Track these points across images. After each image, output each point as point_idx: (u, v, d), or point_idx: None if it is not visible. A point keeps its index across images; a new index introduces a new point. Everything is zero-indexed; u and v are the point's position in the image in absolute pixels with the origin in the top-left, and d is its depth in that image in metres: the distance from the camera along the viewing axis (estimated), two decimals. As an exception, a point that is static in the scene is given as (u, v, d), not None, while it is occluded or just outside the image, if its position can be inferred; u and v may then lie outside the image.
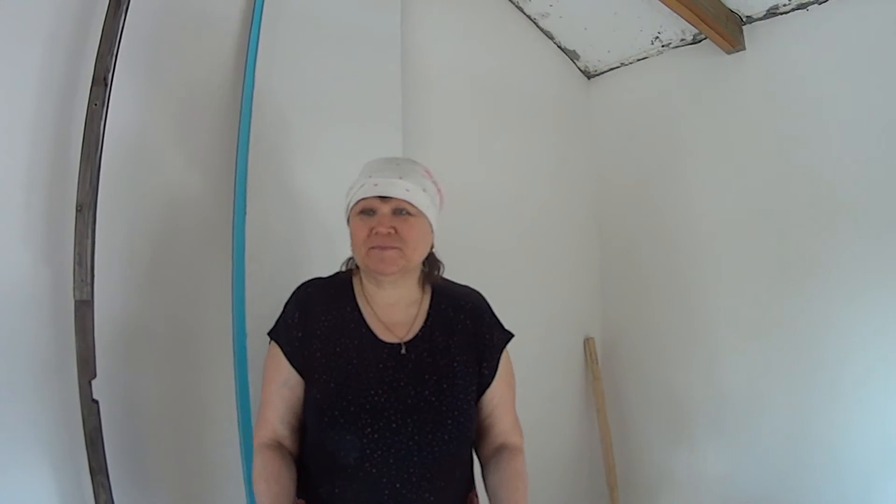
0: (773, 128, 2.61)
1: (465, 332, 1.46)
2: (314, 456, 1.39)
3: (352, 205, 1.43)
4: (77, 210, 1.69)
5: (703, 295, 2.84)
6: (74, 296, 1.69)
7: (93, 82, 1.72)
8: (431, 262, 1.51)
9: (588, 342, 3.11)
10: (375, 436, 1.31)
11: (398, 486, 1.31)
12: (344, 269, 1.56)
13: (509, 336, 1.53)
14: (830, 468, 2.43)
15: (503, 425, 1.49)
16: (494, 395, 1.47)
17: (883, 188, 2.28)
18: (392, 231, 1.36)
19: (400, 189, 1.37)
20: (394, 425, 1.32)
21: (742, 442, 2.72)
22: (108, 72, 1.73)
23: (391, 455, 1.31)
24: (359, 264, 1.45)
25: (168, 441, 2.04)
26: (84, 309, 1.69)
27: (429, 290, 1.50)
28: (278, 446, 1.39)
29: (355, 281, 1.49)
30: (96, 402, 1.74)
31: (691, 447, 2.91)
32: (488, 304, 1.54)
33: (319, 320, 1.41)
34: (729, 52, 2.69)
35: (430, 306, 1.48)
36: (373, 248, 1.37)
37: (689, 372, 2.89)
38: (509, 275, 2.79)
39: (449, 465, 1.40)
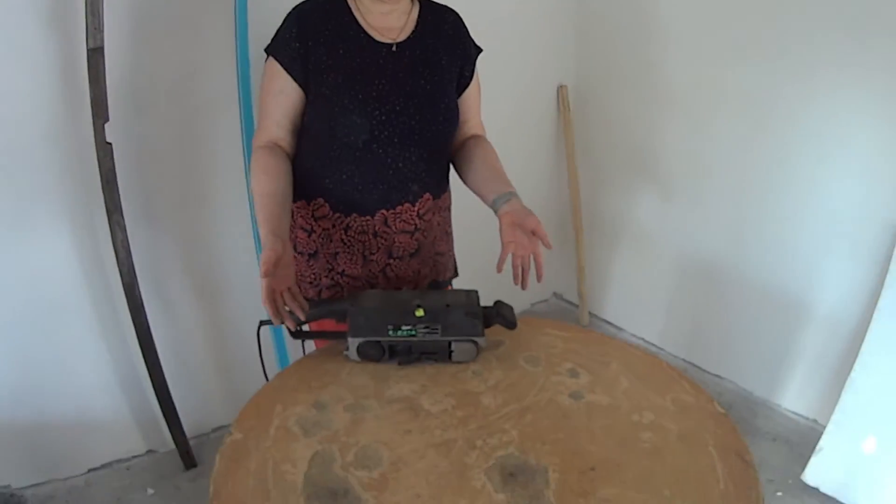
0: None
1: (448, 38, 1.67)
2: (322, 148, 1.58)
3: None
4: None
5: (675, 53, 2.83)
6: (87, 44, 1.81)
7: None
8: None
9: (561, 90, 3.20)
10: (383, 118, 1.53)
11: (400, 164, 1.59)
12: None
13: (480, 49, 1.75)
14: (778, 238, 2.65)
15: (474, 121, 1.78)
16: (469, 97, 1.74)
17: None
18: None
19: None
20: (397, 108, 1.54)
21: (700, 201, 2.91)
22: None
23: (395, 135, 1.55)
24: None
25: (175, 178, 2.31)
26: (97, 56, 1.83)
27: (416, 4, 1.67)
28: (274, 146, 1.55)
29: None
30: (110, 144, 1.95)
31: (653, 200, 3.11)
32: (463, 21, 1.74)
33: (319, 31, 1.53)
34: None
35: (419, 16, 1.65)
36: None
37: (655, 127, 2.98)
38: (483, 21, 2.74)
39: (439, 148, 1.69)
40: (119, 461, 2.57)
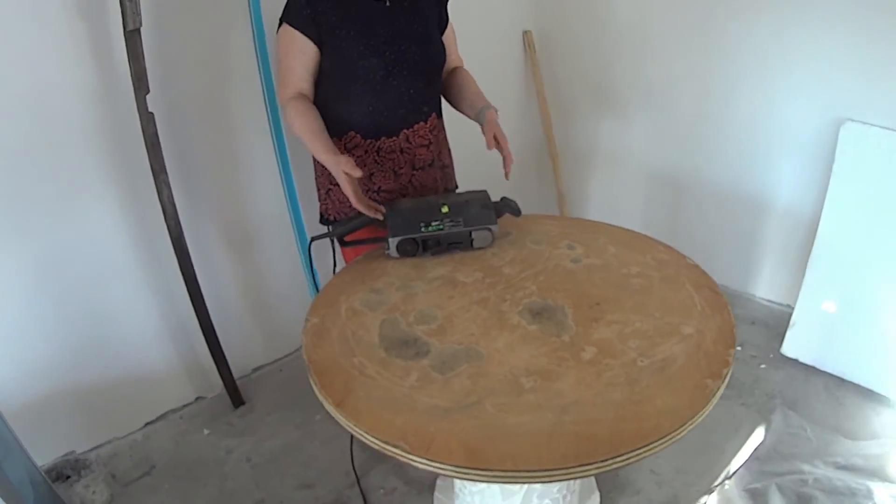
0: None
1: None
2: (347, 90, 1.87)
3: None
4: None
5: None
6: (126, 26, 2.01)
7: None
8: None
9: (526, 34, 3.43)
10: (393, 56, 1.85)
11: (412, 91, 1.92)
12: None
13: None
14: (736, 145, 2.89)
15: (455, 55, 2.15)
16: (448, 35, 2.08)
17: None
18: None
19: None
20: (402, 48, 1.86)
21: (660, 121, 3.16)
22: None
23: (405, 69, 1.88)
24: None
25: (207, 141, 2.51)
26: (135, 37, 2.05)
27: None
28: (300, 96, 1.85)
29: None
30: (151, 113, 2.17)
31: (619, 125, 3.36)
32: None
33: None
34: None
35: None
36: None
37: (614, 61, 3.21)
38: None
39: (437, 76, 2.04)
40: (172, 411, 2.80)
